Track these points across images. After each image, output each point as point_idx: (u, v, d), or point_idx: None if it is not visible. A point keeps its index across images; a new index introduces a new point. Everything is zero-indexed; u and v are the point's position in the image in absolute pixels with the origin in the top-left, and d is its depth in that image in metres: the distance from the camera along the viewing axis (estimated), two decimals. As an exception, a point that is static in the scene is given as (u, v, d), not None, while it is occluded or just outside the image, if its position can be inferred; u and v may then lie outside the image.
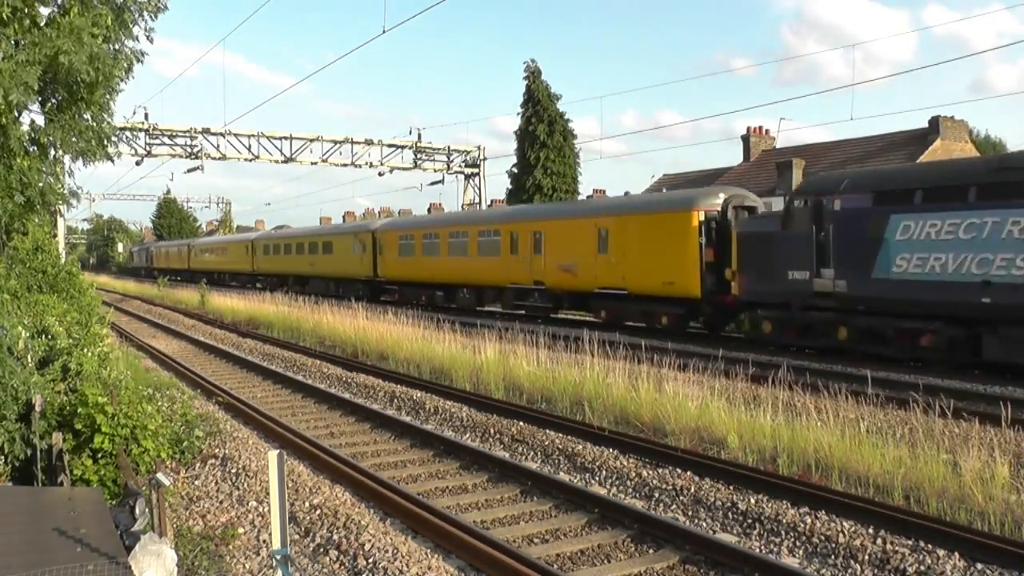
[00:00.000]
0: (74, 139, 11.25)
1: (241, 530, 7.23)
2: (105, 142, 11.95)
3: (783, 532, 7.11)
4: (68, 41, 9.74)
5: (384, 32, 19.36)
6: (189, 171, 39.52)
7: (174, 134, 37.96)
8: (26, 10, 9.95)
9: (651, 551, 6.91)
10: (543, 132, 38.37)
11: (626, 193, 31.82)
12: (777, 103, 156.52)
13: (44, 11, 10.60)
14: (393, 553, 6.34)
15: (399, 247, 33.13)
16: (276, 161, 39.89)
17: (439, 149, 43.11)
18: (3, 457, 7.14)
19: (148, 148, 37.41)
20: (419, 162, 42.87)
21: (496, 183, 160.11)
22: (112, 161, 12.69)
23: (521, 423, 11.16)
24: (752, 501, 7.70)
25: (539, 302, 25.04)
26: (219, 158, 38.88)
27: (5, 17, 9.51)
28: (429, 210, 65.32)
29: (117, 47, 11.42)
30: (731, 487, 8.15)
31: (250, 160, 39.72)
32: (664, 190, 30.81)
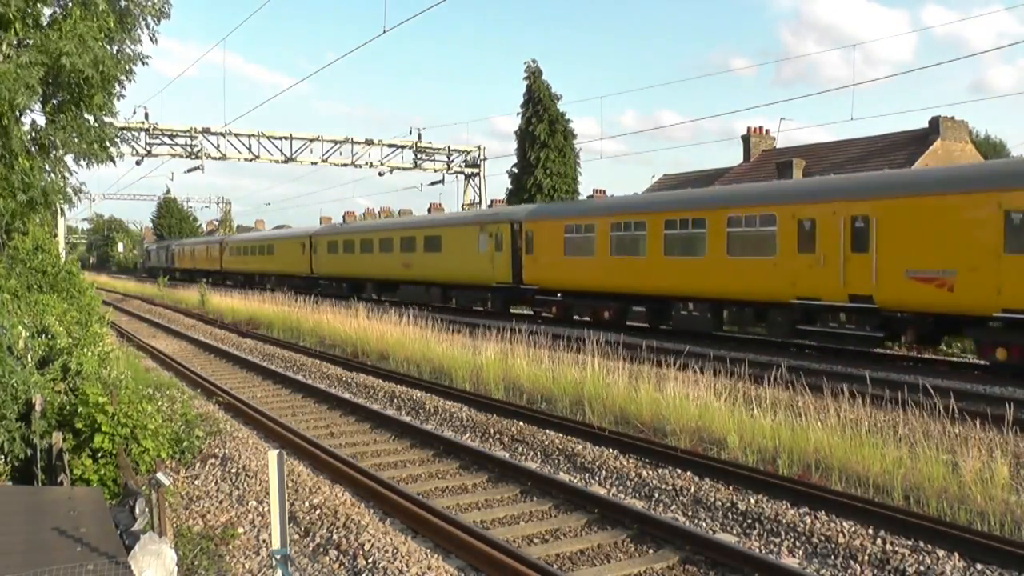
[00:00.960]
0: (76, 140, 11.25)
1: (241, 530, 7.23)
2: (107, 143, 11.95)
3: (783, 532, 7.11)
4: (71, 43, 9.74)
5: (384, 32, 19.35)
6: (189, 171, 39.58)
7: (174, 134, 37.97)
8: (28, 11, 9.95)
9: (651, 551, 6.91)
10: (543, 132, 38.35)
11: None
12: (777, 103, 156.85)
13: (46, 11, 10.61)
14: (393, 553, 6.34)
15: (564, 243, 23.89)
16: (276, 161, 39.88)
17: (439, 149, 43.11)
18: (3, 457, 7.14)
19: (148, 148, 37.42)
20: (419, 162, 42.86)
21: (496, 183, 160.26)
22: (114, 162, 12.69)
23: (521, 423, 11.16)
24: (752, 501, 7.70)
25: (856, 328, 16.21)
26: (219, 158, 38.89)
27: (11, 16, 9.50)
28: (429, 210, 63.74)
29: (119, 49, 11.43)
30: (731, 487, 8.15)
31: (250, 160, 39.72)
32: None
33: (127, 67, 11.44)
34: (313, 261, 41.34)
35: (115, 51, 11.28)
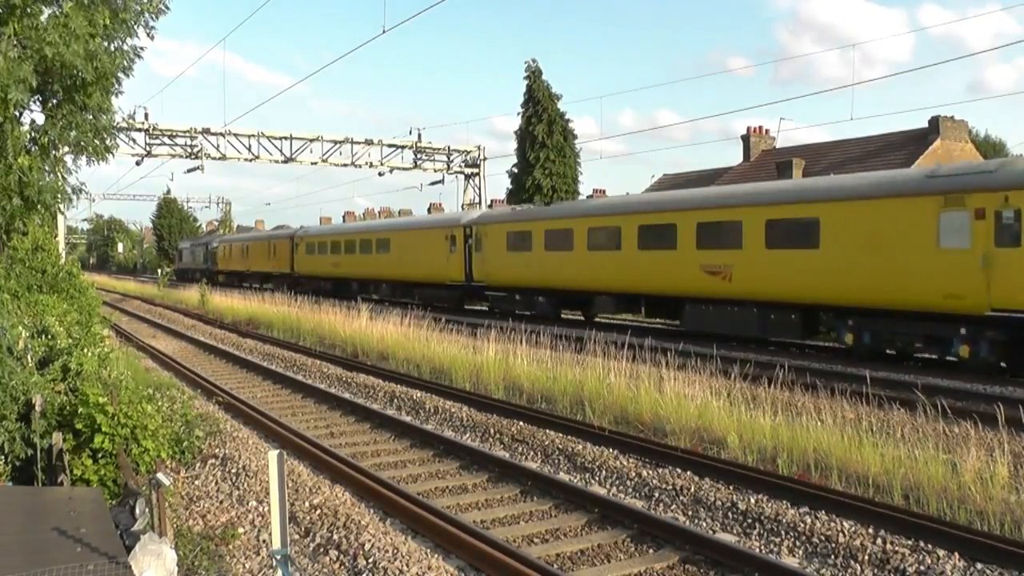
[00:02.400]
0: (72, 134, 11.22)
1: (241, 530, 7.23)
2: (104, 135, 11.91)
3: (783, 532, 7.11)
4: (56, 34, 9.70)
5: (384, 32, 19.35)
6: (189, 171, 39.52)
7: (174, 134, 37.95)
8: (27, 9, 9.93)
9: (651, 551, 6.91)
10: (543, 132, 38.34)
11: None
12: (775, 103, 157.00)
13: (46, 10, 10.59)
14: (393, 553, 6.34)
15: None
16: (276, 161, 39.86)
17: (439, 149, 43.09)
18: (3, 457, 7.14)
19: (148, 148, 37.40)
20: (419, 162, 42.84)
21: (495, 183, 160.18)
22: (112, 155, 12.64)
23: (521, 423, 11.16)
24: (752, 501, 7.70)
25: None
26: (219, 158, 38.85)
27: (9, 9, 9.48)
28: (429, 210, 63.36)
29: (115, 45, 11.40)
30: (731, 487, 8.15)
31: (250, 160, 39.69)
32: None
33: (124, 63, 11.40)
34: (475, 260, 28.63)
35: (112, 48, 11.25)
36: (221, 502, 8.05)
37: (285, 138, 39.62)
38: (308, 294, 31.30)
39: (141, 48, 11.72)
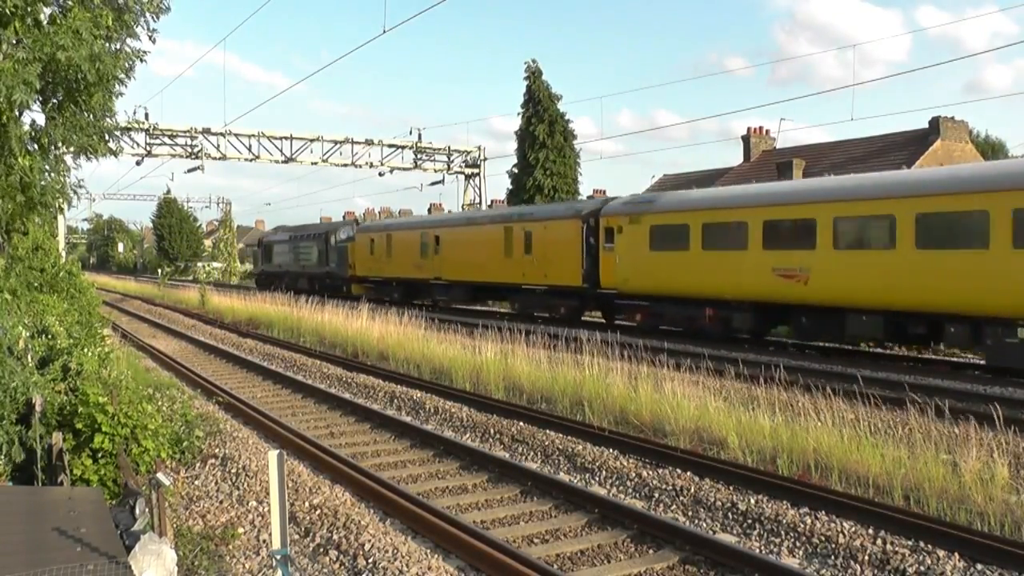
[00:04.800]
0: (75, 136, 11.23)
1: (241, 530, 7.23)
2: (107, 137, 11.92)
3: (783, 532, 7.11)
4: (66, 38, 9.72)
5: (384, 32, 19.36)
6: (189, 171, 39.54)
7: (174, 134, 37.97)
8: (28, 8, 9.94)
9: (651, 551, 6.91)
10: (543, 132, 38.37)
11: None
12: (774, 104, 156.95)
13: (46, 10, 10.59)
14: (393, 553, 6.34)
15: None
16: (276, 161, 39.88)
17: (439, 149, 43.10)
18: (3, 457, 7.14)
19: (148, 148, 37.42)
20: (419, 162, 42.86)
21: (495, 183, 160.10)
22: (116, 156, 12.66)
23: (521, 423, 11.16)
24: (752, 501, 7.70)
25: None
26: (219, 158, 38.87)
27: (9, 11, 9.48)
28: (429, 210, 63.22)
29: (118, 46, 11.40)
30: (731, 487, 8.15)
31: (250, 160, 39.71)
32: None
33: (126, 65, 11.41)
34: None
35: (114, 49, 11.25)
36: (221, 502, 8.05)
37: (285, 138, 39.64)
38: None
39: (145, 53, 11.73)
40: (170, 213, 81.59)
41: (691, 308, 19.92)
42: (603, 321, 24.67)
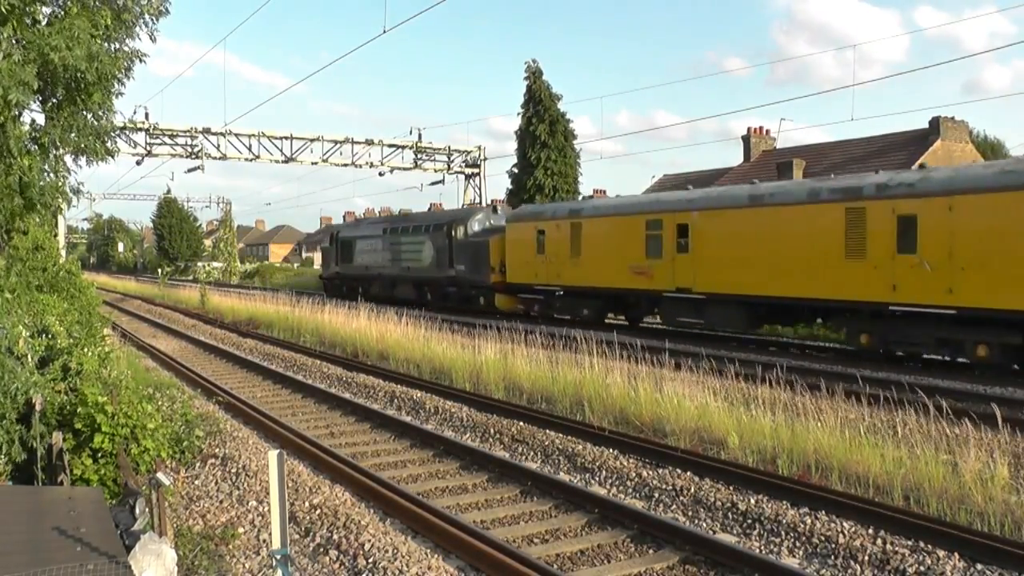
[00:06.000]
0: (73, 136, 11.23)
1: (241, 530, 7.23)
2: (104, 138, 11.92)
3: (783, 532, 7.11)
4: (60, 39, 9.71)
5: (384, 32, 19.35)
6: (189, 171, 39.50)
7: (174, 134, 37.94)
8: (26, 8, 9.94)
9: (651, 551, 6.91)
10: (544, 132, 38.38)
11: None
12: (774, 104, 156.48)
13: (45, 10, 10.59)
14: (393, 553, 6.34)
15: None
16: (276, 161, 39.85)
17: (439, 149, 43.09)
18: (3, 456, 7.14)
19: (148, 148, 37.39)
20: (419, 162, 42.84)
21: (495, 183, 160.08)
22: (113, 157, 12.66)
23: (521, 423, 11.15)
24: (752, 501, 7.70)
25: None
26: (219, 158, 38.84)
27: (5, 10, 9.48)
28: (430, 210, 63.03)
29: (116, 47, 11.40)
30: (731, 487, 8.15)
31: (250, 160, 39.67)
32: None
33: (125, 64, 11.41)
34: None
35: (113, 49, 11.25)
36: (221, 502, 8.05)
37: (285, 138, 39.62)
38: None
39: (144, 55, 11.73)
40: (170, 213, 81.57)
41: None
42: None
